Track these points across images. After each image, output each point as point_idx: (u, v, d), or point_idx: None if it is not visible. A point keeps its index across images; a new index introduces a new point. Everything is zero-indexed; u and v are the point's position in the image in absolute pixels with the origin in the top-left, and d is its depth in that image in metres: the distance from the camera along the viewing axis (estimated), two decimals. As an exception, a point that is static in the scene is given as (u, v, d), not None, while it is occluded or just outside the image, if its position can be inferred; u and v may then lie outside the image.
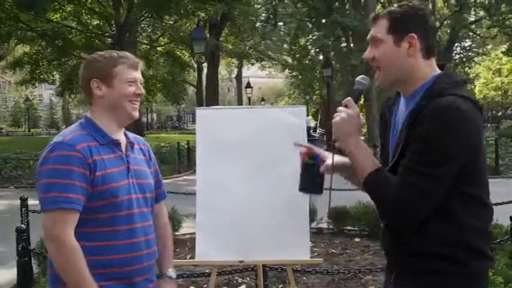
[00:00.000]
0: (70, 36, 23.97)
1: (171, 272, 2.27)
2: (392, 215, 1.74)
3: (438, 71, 1.81)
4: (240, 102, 46.06)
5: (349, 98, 1.84)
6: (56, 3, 21.37)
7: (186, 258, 5.60)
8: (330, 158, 1.96)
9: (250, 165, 3.49)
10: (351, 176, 1.98)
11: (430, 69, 1.80)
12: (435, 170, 1.63)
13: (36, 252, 4.84)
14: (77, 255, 1.90)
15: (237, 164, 3.50)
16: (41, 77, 27.38)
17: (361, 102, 24.86)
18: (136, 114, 2.13)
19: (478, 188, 1.73)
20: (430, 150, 1.64)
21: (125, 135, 2.17)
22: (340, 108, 1.83)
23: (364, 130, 26.57)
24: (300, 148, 2.03)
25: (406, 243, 1.76)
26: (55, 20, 23.02)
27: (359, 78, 1.93)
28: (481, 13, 33.11)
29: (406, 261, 1.78)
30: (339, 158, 1.97)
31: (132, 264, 2.03)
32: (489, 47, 41.54)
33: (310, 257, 5.05)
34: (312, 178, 1.97)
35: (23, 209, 5.49)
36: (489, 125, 44.85)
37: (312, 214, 7.05)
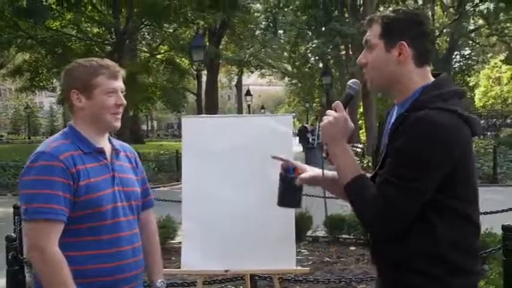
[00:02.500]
0: (70, 44, 24.09)
1: (160, 283, 2.25)
2: (368, 224, 1.74)
3: (431, 80, 1.77)
4: (240, 109, 46.17)
5: (338, 101, 1.81)
6: (55, 12, 21.48)
7: (180, 267, 5.56)
8: (307, 171, 1.95)
9: (237, 173, 3.48)
10: (328, 188, 1.96)
11: (422, 77, 1.76)
12: (408, 183, 1.61)
13: (27, 261, 4.81)
14: (61, 265, 1.89)
15: (223, 173, 3.49)
16: (41, 84, 27.49)
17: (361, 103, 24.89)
18: (118, 124, 2.10)
19: (460, 202, 1.69)
20: (405, 162, 1.62)
21: (110, 142, 2.16)
22: (329, 111, 1.81)
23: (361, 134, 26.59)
24: (277, 161, 2.01)
25: (388, 255, 1.74)
26: (54, 28, 23.12)
27: (350, 82, 1.90)
28: (480, 22, 33.26)
29: (390, 274, 1.76)
30: (312, 172, 1.96)
31: (118, 273, 2.02)
32: (488, 55, 41.65)
33: (305, 266, 5.04)
34: (288, 192, 1.94)
35: (16, 217, 5.47)
36: (488, 133, 44.85)
37: (309, 223, 7.05)
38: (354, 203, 1.74)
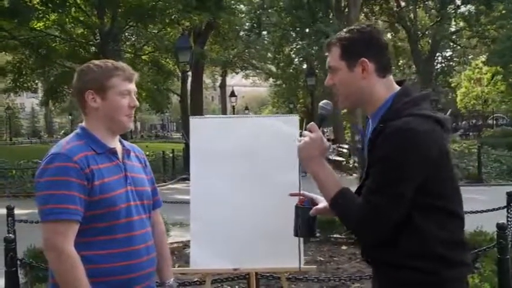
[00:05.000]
0: (54, 45, 23.82)
1: (173, 282, 2.31)
2: (357, 234, 1.85)
3: (396, 88, 1.86)
4: (224, 110, 46.11)
5: (312, 122, 1.91)
6: (39, 12, 21.22)
7: (174, 267, 5.59)
8: (322, 202, 2.03)
9: (244, 173, 3.52)
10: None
11: (388, 87, 1.86)
12: (392, 189, 1.69)
13: (23, 263, 4.80)
14: (76, 265, 1.92)
15: (231, 173, 3.53)
16: (24, 85, 27.14)
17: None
18: (131, 125, 2.16)
19: (442, 200, 1.77)
20: (386, 170, 1.70)
21: (120, 142, 2.20)
22: (305, 132, 1.90)
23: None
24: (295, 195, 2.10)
25: (380, 256, 1.83)
26: (38, 28, 22.85)
27: (322, 103, 2.00)
28: (462, 24, 33.69)
29: (384, 272, 1.85)
30: (326, 203, 2.01)
31: (132, 271, 2.05)
32: (470, 57, 42.24)
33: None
34: (303, 223, 2.02)
35: (9, 218, 5.44)
36: (471, 133, 45.47)
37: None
38: (340, 214, 1.83)
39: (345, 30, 1.92)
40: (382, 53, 1.87)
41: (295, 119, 3.67)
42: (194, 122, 3.66)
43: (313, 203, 2.06)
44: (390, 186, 1.69)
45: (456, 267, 1.78)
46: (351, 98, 1.90)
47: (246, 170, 3.51)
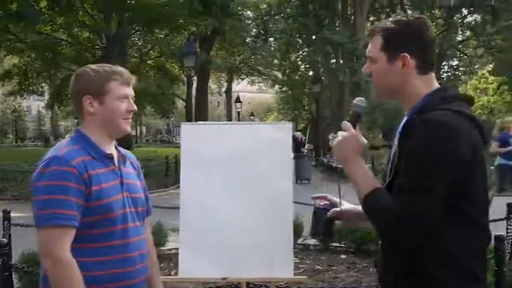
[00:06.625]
0: (60, 48, 23.97)
1: None
2: (391, 237, 1.70)
3: (436, 86, 1.79)
4: (229, 116, 46.14)
5: (345, 121, 1.84)
6: (46, 15, 21.37)
7: (170, 274, 5.54)
8: (341, 205, 2.00)
9: (235, 181, 3.49)
10: (359, 218, 1.99)
11: (427, 84, 1.78)
12: (425, 184, 1.59)
13: (17, 268, 4.77)
14: (73, 271, 1.89)
15: (222, 181, 3.49)
16: (30, 88, 27.31)
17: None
18: (128, 129, 2.13)
19: (471, 206, 1.67)
20: (417, 164, 1.61)
21: (116, 148, 2.17)
22: (339, 132, 1.83)
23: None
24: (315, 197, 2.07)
25: (400, 264, 1.72)
26: (45, 32, 23.00)
27: (356, 100, 1.91)
28: (468, 33, 33.62)
29: (400, 283, 1.74)
30: (345, 206, 2.00)
31: (127, 279, 2.03)
32: (476, 66, 42.12)
33: (296, 274, 5.04)
34: (320, 223, 2.01)
35: (5, 222, 5.41)
36: (476, 143, 45.15)
37: (299, 230, 7.05)
38: (372, 214, 1.72)
39: (391, 19, 1.82)
40: (426, 50, 1.78)
41: (288, 126, 3.63)
42: (185, 128, 3.63)
43: (333, 206, 2.00)
44: (423, 181, 1.59)
45: (475, 283, 1.69)
46: (386, 91, 1.83)
47: (237, 178, 3.48)
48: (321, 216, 1.99)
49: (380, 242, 1.84)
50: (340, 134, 1.81)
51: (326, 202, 2.03)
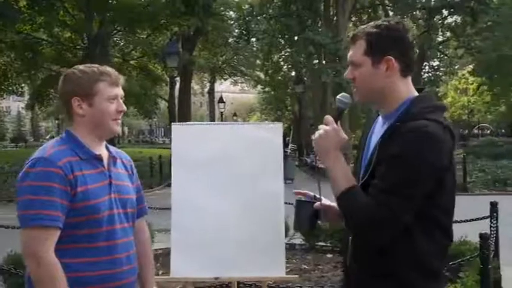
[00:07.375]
0: (40, 48, 23.64)
1: None
2: (363, 234, 1.76)
3: (414, 91, 1.83)
4: (212, 117, 46.04)
5: (328, 115, 1.86)
6: (26, 14, 21.07)
7: (158, 274, 5.52)
8: (321, 200, 2.02)
9: (226, 182, 3.49)
10: (337, 217, 2.00)
11: (407, 88, 1.82)
12: (405, 190, 1.65)
13: (2, 269, 4.71)
14: (56, 273, 1.88)
15: (212, 181, 3.50)
16: (10, 88, 26.89)
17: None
18: (118, 129, 2.13)
19: (439, 211, 1.74)
20: (400, 169, 1.66)
21: (107, 149, 2.16)
22: (320, 126, 1.86)
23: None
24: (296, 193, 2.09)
25: (369, 264, 1.78)
26: (25, 31, 22.66)
27: (339, 96, 1.94)
28: (448, 34, 34.03)
29: (367, 284, 1.80)
30: (329, 202, 2.02)
31: (112, 280, 2.02)
32: (456, 67, 42.65)
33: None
34: (303, 216, 2.02)
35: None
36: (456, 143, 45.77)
37: (285, 229, 7.08)
38: (347, 211, 1.77)
39: (372, 24, 1.84)
40: (408, 52, 1.82)
41: (278, 126, 3.63)
42: (176, 128, 3.62)
43: (316, 200, 2.03)
44: (404, 187, 1.64)
45: (438, 280, 1.77)
46: (370, 95, 1.85)
47: (228, 178, 3.48)
48: (303, 208, 2.02)
49: (350, 242, 1.89)
50: (322, 128, 1.84)
51: (305, 194, 2.06)
